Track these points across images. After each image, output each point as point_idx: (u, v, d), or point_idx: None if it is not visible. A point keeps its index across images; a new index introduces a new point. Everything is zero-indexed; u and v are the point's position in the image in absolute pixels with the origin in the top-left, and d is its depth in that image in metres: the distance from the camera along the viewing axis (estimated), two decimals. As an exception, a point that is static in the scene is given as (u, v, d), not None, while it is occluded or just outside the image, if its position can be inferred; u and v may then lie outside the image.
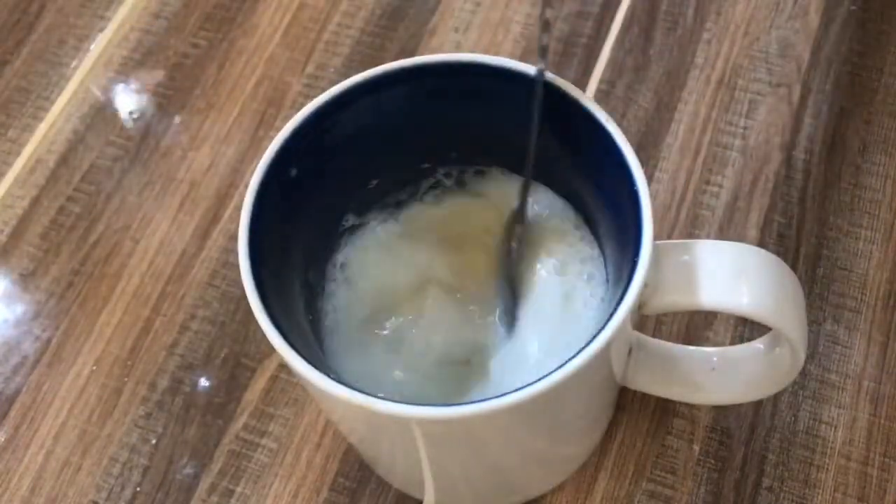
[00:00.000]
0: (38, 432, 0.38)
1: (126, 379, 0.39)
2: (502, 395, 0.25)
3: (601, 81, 0.44)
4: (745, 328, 0.38)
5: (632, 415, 0.37)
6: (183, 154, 0.44)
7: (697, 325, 0.38)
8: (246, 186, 0.29)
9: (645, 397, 0.37)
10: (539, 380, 0.25)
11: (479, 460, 0.31)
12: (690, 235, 0.40)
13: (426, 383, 0.32)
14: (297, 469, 0.37)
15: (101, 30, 0.48)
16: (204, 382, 0.39)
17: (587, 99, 0.29)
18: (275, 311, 0.27)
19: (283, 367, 0.39)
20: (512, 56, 0.44)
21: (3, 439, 0.38)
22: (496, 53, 0.44)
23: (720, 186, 0.41)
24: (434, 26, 0.46)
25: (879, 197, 0.40)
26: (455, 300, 0.33)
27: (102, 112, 0.45)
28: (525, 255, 0.32)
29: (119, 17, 0.48)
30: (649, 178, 0.41)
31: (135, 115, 0.45)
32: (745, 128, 0.42)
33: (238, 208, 0.41)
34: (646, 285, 0.27)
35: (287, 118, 0.32)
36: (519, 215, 0.31)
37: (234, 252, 0.38)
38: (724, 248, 0.29)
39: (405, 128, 0.32)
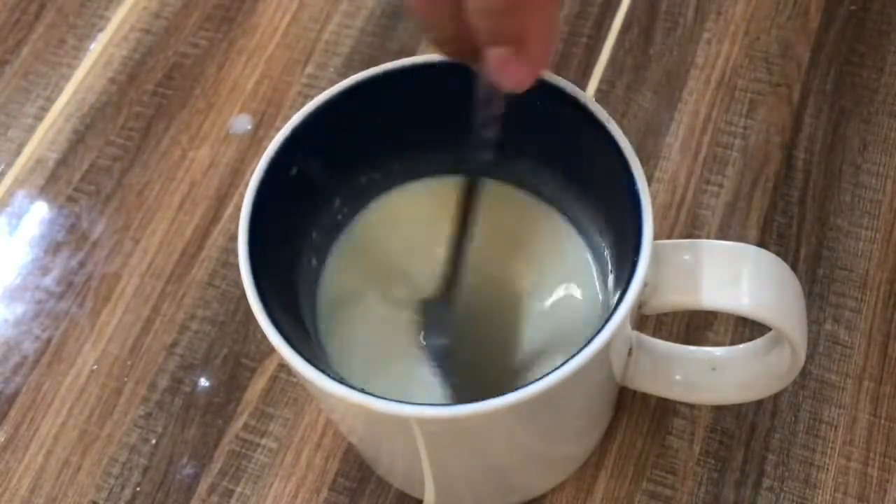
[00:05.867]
0: (38, 432, 0.38)
1: (126, 379, 0.39)
2: (502, 395, 0.25)
3: (601, 81, 0.44)
4: (745, 328, 0.38)
5: (632, 415, 0.37)
6: (183, 154, 0.44)
7: (697, 325, 0.38)
8: (246, 186, 0.29)
9: (645, 397, 0.37)
10: (539, 379, 0.25)
11: (479, 460, 0.31)
12: (690, 235, 0.40)
13: (428, 382, 0.32)
14: (297, 469, 0.37)
15: (101, 30, 0.48)
16: (204, 382, 0.39)
17: (587, 99, 0.29)
18: (275, 311, 0.27)
19: (283, 367, 0.39)
20: (512, 56, 0.44)
21: (3, 439, 0.38)
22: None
23: (720, 186, 0.41)
24: (434, 26, 0.46)
25: (879, 197, 0.40)
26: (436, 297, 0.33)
27: (102, 112, 0.45)
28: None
29: (119, 17, 0.48)
30: (649, 178, 0.41)
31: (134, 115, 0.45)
32: (745, 128, 0.42)
33: (238, 208, 0.41)
34: (646, 285, 0.27)
35: (287, 118, 0.32)
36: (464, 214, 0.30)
37: (234, 252, 0.38)
38: (725, 247, 0.29)
39: (405, 127, 0.32)
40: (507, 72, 0.24)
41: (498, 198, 0.34)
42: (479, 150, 0.27)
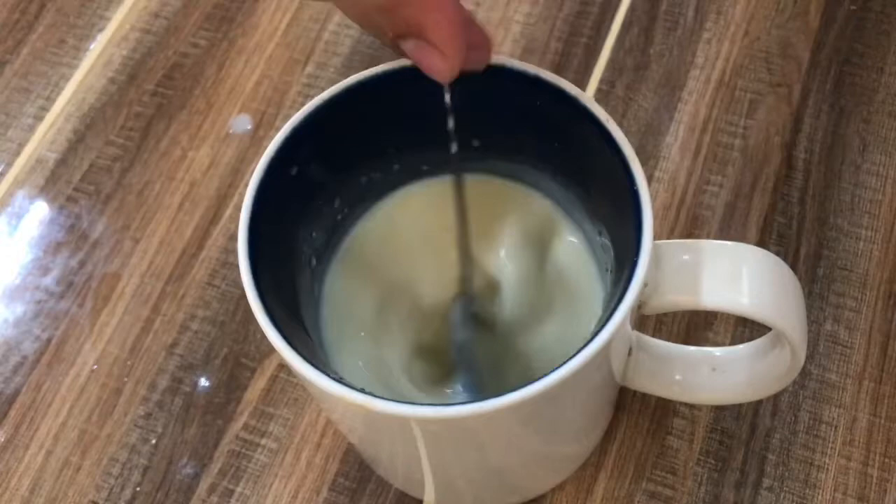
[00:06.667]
0: (38, 432, 0.38)
1: (126, 379, 0.39)
2: (502, 395, 0.25)
3: (601, 81, 0.44)
4: (745, 328, 0.38)
5: (632, 415, 0.37)
6: (183, 154, 0.44)
7: (697, 325, 0.38)
8: (246, 186, 0.29)
9: (645, 397, 0.37)
10: (539, 379, 0.25)
11: (479, 460, 0.31)
12: (690, 235, 0.40)
13: (428, 382, 0.32)
14: (297, 469, 0.37)
15: (101, 30, 0.48)
16: (204, 382, 0.39)
17: (587, 99, 0.29)
18: (275, 311, 0.27)
19: (283, 367, 0.39)
20: (512, 55, 0.44)
21: (3, 439, 0.38)
22: (496, 53, 0.44)
23: (720, 186, 0.41)
24: (434, 26, 0.46)
25: (879, 197, 0.40)
26: (459, 294, 0.33)
27: (102, 112, 0.45)
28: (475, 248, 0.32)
29: (119, 17, 0.48)
30: (649, 178, 0.41)
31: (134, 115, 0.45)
32: (745, 128, 0.42)
33: (238, 208, 0.41)
34: (646, 285, 0.27)
35: (287, 118, 0.32)
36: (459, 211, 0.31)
37: (234, 252, 0.38)
38: (725, 247, 0.29)
39: (405, 127, 0.32)
40: (424, 63, 0.25)
41: (499, 195, 0.34)
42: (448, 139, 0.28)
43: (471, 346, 0.32)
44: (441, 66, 0.25)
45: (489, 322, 0.33)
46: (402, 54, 0.26)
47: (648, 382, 0.33)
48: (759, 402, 0.36)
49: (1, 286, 0.42)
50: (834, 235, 0.40)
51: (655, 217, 0.27)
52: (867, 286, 0.38)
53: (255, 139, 0.44)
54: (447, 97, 0.27)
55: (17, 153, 0.45)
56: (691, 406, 0.37)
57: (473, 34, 0.26)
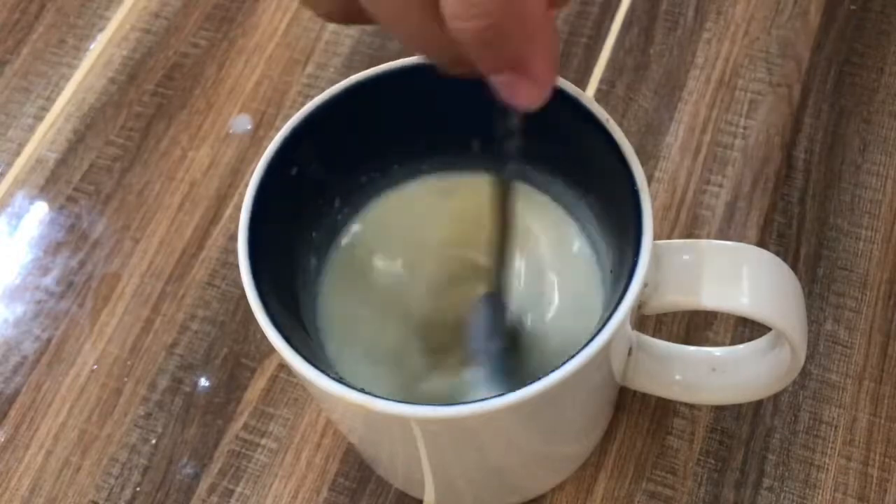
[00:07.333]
0: (38, 432, 0.38)
1: (126, 379, 0.39)
2: (502, 395, 0.25)
3: (601, 81, 0.44)
4: (745, 328, 0.38)
5: (632, 415, 0.37)
6: (183, 154, 0.44)
7: (697, 325, 0.38)
8: (246, 186, 0.29)
9: (645, 397, 0.37)
10: (539, 379, 0.25)
11: (479, 460, 0.31)
12: (690, 235, 0.40)
13: (429, 381, 0.32)
14: (297, 469, 0.37)
15: (101, 30, 0.48)
16: (204, 382, 0.39)
17: (587, 99, 0.29)
18: (275, 311, 0.27)
19: (283, 367, 0.39)
20: (512, 56, 0.44)
21: (3, 439, 0.38)
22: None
23: (720, 186, 0.41)
24: (434, 26, 0.46)
25: (879, 197, 0.40)
26: (460, 297, 0.33)
27: (102, 112, 0.45)
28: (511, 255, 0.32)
29: (119, 17, 0.48)
30: (649, 178, 0.41)
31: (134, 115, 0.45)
32: (745, 128, 0.42)
33: (238, 208, 0.41)
34: (646, 285, 0.27)
35: (287, 118, 0.32)
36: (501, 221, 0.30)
37: (234, 252, 0.38)
38: (725, 247, 0.29)
39: (405, 127, 0.32)
40: (516, 95, 0.24)
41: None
42: (503, 159, 0.27)
43: (496, 347, 0.32)
44: (535, 97, 0.24)
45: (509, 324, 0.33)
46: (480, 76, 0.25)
47: (648, 382, 0.33)
48: (759, 402, 0.36)
49: (1, 286, 0.42)
50: (834, 235, 0.40)
51: (655, 217, 0.27)
52: (867, 286, 0.38)
53: (255, 139, 0.44)
54: (513, 121, 0.26)
55: (17, 153, 0.45)
56: (691, 406, 0.37)
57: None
